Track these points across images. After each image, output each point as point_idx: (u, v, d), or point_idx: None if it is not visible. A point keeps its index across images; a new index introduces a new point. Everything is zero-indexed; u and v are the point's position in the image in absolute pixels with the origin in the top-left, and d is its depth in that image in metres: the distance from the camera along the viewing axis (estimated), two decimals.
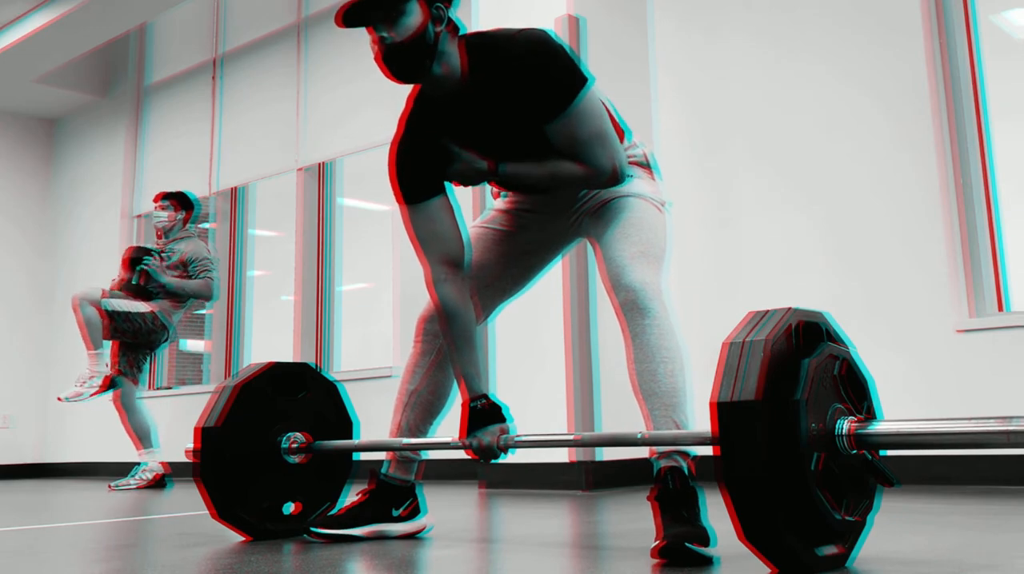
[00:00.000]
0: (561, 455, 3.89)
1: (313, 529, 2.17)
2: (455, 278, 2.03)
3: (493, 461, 2.00)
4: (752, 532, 1.45)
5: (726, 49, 4.39)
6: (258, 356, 6.54)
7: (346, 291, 6.24)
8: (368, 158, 6.04)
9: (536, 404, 3.98)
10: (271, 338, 6.63)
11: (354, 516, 2.19)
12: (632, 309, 1.89)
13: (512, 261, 2.18)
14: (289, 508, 2.34)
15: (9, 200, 7.97)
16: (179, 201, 5.19)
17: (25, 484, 5.68)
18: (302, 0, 6.49)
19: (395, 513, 2.22)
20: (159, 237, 5.18)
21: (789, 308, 1.52)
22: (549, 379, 3.96)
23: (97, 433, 7.07)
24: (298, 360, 6.03)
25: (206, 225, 7.38)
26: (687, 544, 1.69)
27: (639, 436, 1.79)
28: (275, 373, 2.36)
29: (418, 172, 2.04)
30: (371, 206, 6.45)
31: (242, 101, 6.85)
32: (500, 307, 2.24)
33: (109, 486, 5.14)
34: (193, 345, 7.48)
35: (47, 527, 3.00)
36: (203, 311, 7.41)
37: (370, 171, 6.26)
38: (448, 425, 2.26)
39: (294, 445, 2.31)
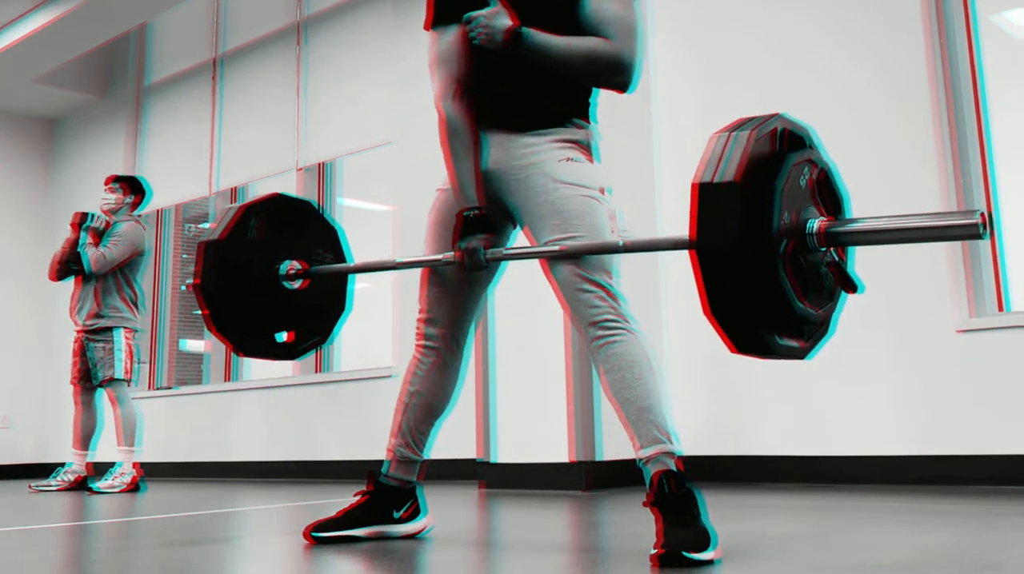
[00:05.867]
0: (561, 455, 3.89)
1: (315, 532, 2.16)
2: (460, 98, 2.08)
3: (480, 270, 2.02)
4: (717, 307, 1.48)
5: (727, 47, 4.39)
6: None
7: None
8: (368, 158, 6.04)
9: (536, 403, 3.98)
10: None
11: (355, 517, 2.18)
12: (592, 324, 1.91)
13: (464, 284, 2.18)
14: (282, 337, 2.36)
15: (9, 200, 7.96)
16: (129, 184, 5.18)
17: (23, 484, 5.68)
18: (302, 0, 6.49)
19: (396, 515, 2.21)
20: (108, 218, 5.17)
21: (776, 113, 1.59)
22: (549, 378, 3.96)
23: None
24: (296, 362, 6.03)
25: (205, 225, 7.38)
26: (684, 553, 1.69)
27: (621, 244, 1.85)
28: (280, 203, 2.39)
29: (450, 1, 2.10)
30: (371, 206, 6.45)
31: (242, 101, 6.85)
32: (472, 326, 2.23)
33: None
34: (193, 345, 7.48)
35: (43, 528, 3.00)
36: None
37: (370, 171, 6.26)
38: (449, 429, 2.26)
39: (292, 271, 2.32)
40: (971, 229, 1.46)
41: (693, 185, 1.48)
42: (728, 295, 1.46)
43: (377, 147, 5.81)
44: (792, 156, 1.54)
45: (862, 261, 3.83)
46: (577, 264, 1.93)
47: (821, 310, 1.58)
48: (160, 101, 7.50)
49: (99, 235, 5.05)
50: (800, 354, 1.56)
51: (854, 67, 3.98)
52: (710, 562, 1.71)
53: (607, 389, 1.91)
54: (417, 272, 2.22)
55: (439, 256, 2.09)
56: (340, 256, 2.45)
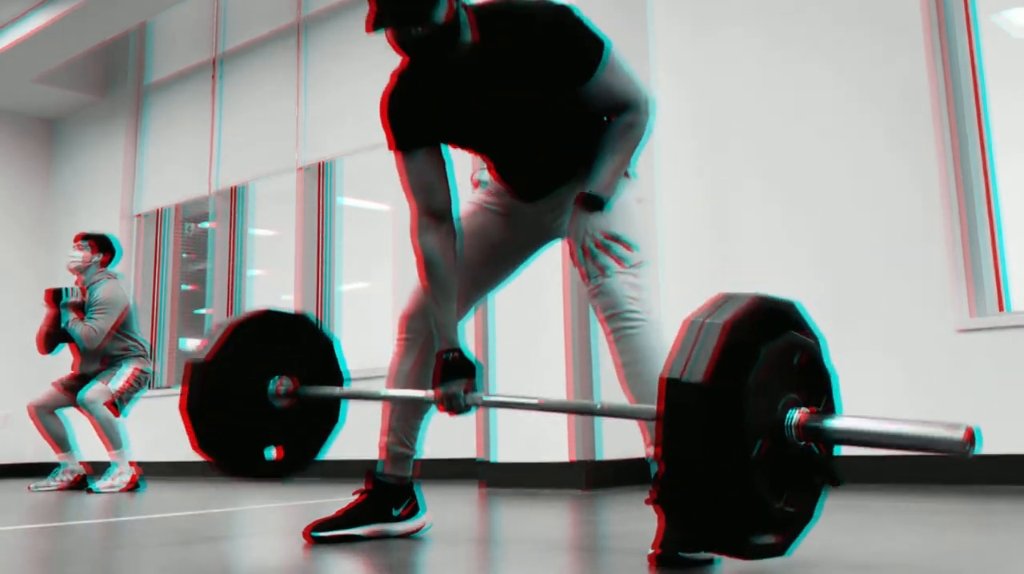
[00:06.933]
0: (561, 455, 3.89)
1: (314, 532, 2.16)
2: (438, 229, 2.05)
3: (459, 414, 2.02)
4: (685, 512, 1.44)
5: (726, 47, 4.38)
6: None
7: (346, 291, 6.24)
8: (368, 158, 6.03)
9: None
10: None
11: (354, 517, 2.19)
12: (612, 315, 1.91)
13: (494, 258, 2.19)
14: (271, 453, 2.33)
15: (9, 200, 7.96)
16: (98, 243, 5.10)
17: (24, 484, 5.68)
18: (302, 0, 6.49)
19: (395, 513, 2.22)
20: (76, 278, 5.11)
21: (756, 294, 1.51)
22: (549, 377, 3.96)
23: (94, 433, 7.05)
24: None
25: (205, 224, 7.38)
26: (680, 553, 1.69)
27: (598, 406, 1.81)
28: (272, 319, 2.37)
29: (408, 122, 2.05)
30: (371, 206, 6.44)
31: (242, 101, 6.85)
32: (477, 302, 2.25)
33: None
34: (192, 345, 7.48)
35: (43, 527, 3.00)
36: (202, 311, 7.41)
37: (370, 171, 6.26)
38: (449, 429, 2.26)
39: (281, 389, 2.30)
40: (956, 445, 1.38)
41: (660, 379, 1.42)
42: (696, 501, 1.40)
43: (377, 147, 5.81)
44: (769, 345, 1.45)
45: (862, 259, 3.83)
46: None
47: (800, 507, 1.50)
48: (160, 101, 7.50)
49: (79, 307, 4.96)
50: (778, 551, 1.48)
51: (853, 66, 3.98)
52: (709, 562, 1.71)
53: (623, 381, 1.93)
54: (414, 275, 2.21)
55: (421, 393, 2.09)
56: (334, 369, 2.42)
